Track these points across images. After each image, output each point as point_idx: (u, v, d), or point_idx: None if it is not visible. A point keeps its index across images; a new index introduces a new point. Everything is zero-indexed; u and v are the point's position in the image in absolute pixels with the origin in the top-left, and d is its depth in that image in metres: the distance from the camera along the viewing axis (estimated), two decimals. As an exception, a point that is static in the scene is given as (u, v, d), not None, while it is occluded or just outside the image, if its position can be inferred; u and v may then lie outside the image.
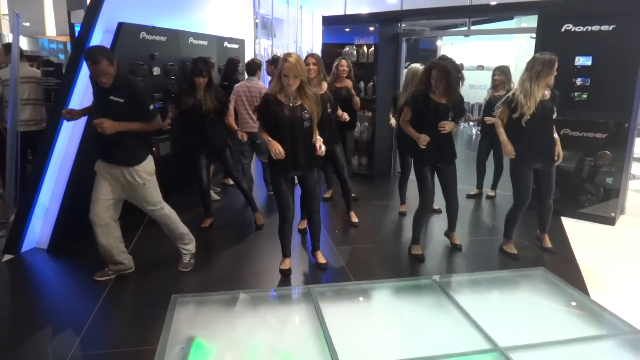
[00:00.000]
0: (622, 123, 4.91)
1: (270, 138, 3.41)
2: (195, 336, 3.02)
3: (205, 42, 6.44)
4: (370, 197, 6.19)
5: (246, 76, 5.66)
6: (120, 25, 4.75)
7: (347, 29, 7.12)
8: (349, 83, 5.32)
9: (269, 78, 5.87)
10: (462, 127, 11.89)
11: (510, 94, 4.00)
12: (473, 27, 6.90)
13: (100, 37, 4.56)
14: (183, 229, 3.90)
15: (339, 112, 4.63)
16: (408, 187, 5.43)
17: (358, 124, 7.00)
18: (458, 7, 6.60)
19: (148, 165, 3.57)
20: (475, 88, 6.58)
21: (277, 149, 3.34)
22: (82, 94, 4.42)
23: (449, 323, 3.24)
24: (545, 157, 3.99)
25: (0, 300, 3.55)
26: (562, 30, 5.10)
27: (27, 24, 15.54)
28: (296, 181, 4.08)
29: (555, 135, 4.07)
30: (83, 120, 4.40)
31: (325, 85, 4.68)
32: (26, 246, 4.29)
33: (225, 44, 7.02)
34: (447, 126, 3.85)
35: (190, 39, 6.13)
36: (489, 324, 3.11)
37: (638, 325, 3.12)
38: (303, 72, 3.36)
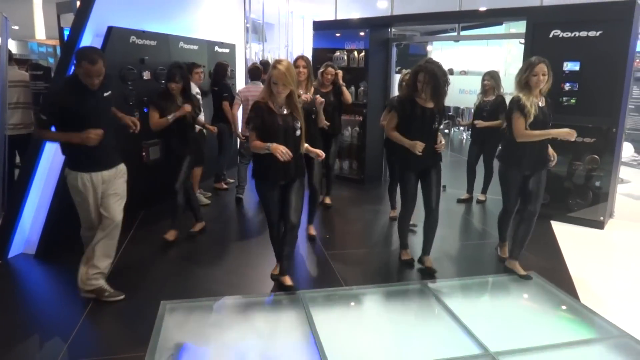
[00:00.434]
0: (610, 128, 4.96)
1: (268, 144, 3.23)
2: (184, 342, 3.00)
3: (195, 47, 6.42)
4: (361, 202, 6.19)
5: (249, 81, 5.72)
6: (110, 29, 4.73)
7: (337, 34, 7.13)
8: (338, 83, 5.35)
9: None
10: (452, 131, 11.96)
11: (517, 99, 3.73)
12: (463, 33, 6.95)
13: (89, 40, 4.53)
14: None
15: (321, 118, 4.52)
16: (398, 192, 5.43)
17: (349, 128, 7.02)
18: (448, 13, 6.63)
19: None
20: (465, 93, 6.61)
21: (283, 150, 3.18)
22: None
23: (440, 328, 3.25)
24: (541, 164, 3.86)
25: (-14, 307, 3.50)
26: (550, 35, 5.14)
27: (16, 27, 15.45)
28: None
29: None
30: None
31: (312, 89, 4.65)
32: (13, 252, 4.23)
33: (216, 48, 7.00)
34: (443, 145, 3.85)
35: (181, 43, 6.11)
36: (480, 329, 3.12)
37: (627, 329, 3.15)
38: (293, 80, 3.28)
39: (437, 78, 3.57)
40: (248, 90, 5.70)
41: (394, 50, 7.02)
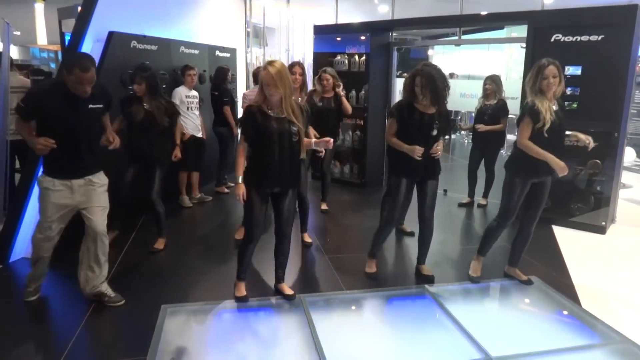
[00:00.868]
0: (612, 132, 4.95)
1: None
2: (185, 346, 2.99)
3: (196, 51, 6.44)
4: (361, 206, 6.18)
5: (252, 85, 5.72)
6: (111, 34, 4.75)
7: (338, 38, 7.14)
8: (337, 92, 5.32)
9: None
10: (453, 136, 11.93)
11: (531, 104, 3.56)
12: (464, 37, 6.96)
13: (90, 46, 4.54)
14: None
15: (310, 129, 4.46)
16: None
17: (350, 132, 7.03)
18: (449, 17, 6.64)
19: None
20: (466, 97, 6.62)
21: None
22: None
23: (440, 332, 3.24)
24: (551, 171, 3.66)
25: (-13, 312, 3.50)
26: (552, 40, 5.14)
27: (18, 33, 15.47)
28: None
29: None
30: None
31: (304, 97, 4.61)
32: (15, 256, 4.23)
33: (217, 52, 7.02)
34: (439, 150, 3.70)
35: (182, 48, 6.13)
36: (481, 334, 3.11)
37: (629, 335, 3.13)
38: (284, 82, 3.10)
39: (434, 81, 3.45)
40: (252, 92, 5.71)
41: (395, 55, 7.03)
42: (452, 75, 9.84)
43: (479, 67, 11.43)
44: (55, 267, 4.14)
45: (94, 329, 3.20)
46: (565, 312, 3.55)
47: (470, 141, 6.56)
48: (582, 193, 5.20)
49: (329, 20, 8.24)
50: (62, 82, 3.07)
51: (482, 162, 6.01)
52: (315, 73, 5.26)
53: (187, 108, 5.56)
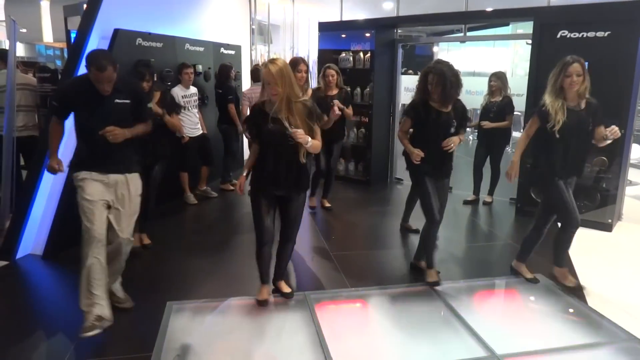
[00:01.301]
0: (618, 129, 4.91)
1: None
2: (190, 343, 3.00)
3: (201, 48, 6.44)
4: (366, 203, 6.18)
5: (250, 83, 5.75)
6: (117, 31, 4.75)
7: (343, 35, 7.13)
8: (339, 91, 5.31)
9: None
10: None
11: (542, 104, 3.55)
12: (469, 34, 6.93)
13: (96, 43, 4.55)
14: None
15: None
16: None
17: (355, 129, 7.02)
18: (454, 14, 6.61)
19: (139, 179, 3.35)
20: (471, 94, 6.60)
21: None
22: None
23: (446, 330, 3.23)
24: (577, 173, 3.63)
25: (-6, 308, 3.52)
26: (558, 36, 5.11)
27: (24, 30, 15.55)
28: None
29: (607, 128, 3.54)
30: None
31: (309, 92, 4.59)
32: (21, 252, 4.26)
33: (222, 50, 7.02)
34: (452, 143, 3.55)
35: (187, 45, 6.13)
36: (486, 331, 3.11)
37: (635, 333, 3.12)
38: (285, 80, 2.98)
39: (445, 77, 3.41)
40: (252, 91, 5.74)
41: (400, 51, 7.01)
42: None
43: (484, 64, 11.41)
44: (61, 264, 4.18)
45: (100, 326, 3.21)
46: (571, 310, 3.54)
47: (475, 138, 6.53)
48: (588, 190, 5.17)
49: (333, 17, 8.24)
50: (88, 77, 3.04)
51: (488, 159, 5.99)
52: (319, 70, 5.24)
53: (184, 108, 5.52)
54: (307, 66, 4.45)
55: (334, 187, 5.86)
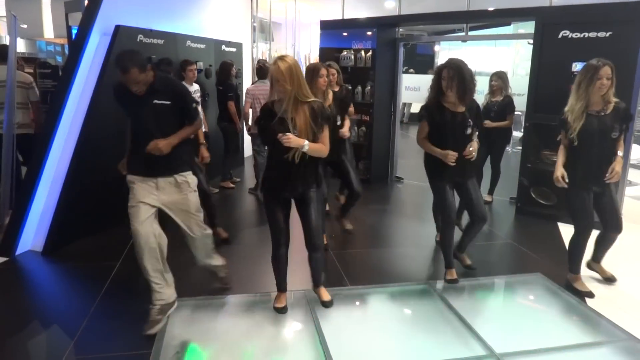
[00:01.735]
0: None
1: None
2: (190, 340, 3.01)
3: (202, 46, 6.44)
4: (367, 202, 6.17)
5: (256, 79, 5.79)
6: (118, 28, 4.74)
7: (344, 34, 7.12)
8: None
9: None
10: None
11: (562, 120, 3.53)
12: (471, 33, 6.92)
13: (97, 39, 4.55)
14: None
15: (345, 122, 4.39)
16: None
17: (356, 127, 7.01)
18: (456, 13, 6.60)
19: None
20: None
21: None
22: (78, 97, 4.41)
23: (445, 328, 3.23)
24: (597, 184, 3.56)
25: (-7, 303, 3.52)
26: (559, 36, 5.11)
27: (25, 26, 15.52)
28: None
29: (619, 153, 3.53)
30: (79, 123, 4.40)
31: (331, 95, 4.39)
32: (21, 249, 4.26)
33: (223, 47, 7.02)
34: (473, 149, 3.50)
35: (188, 42, 6.12)
36: (486, 330, 3.11)
37: (634, 332, 3.12)
38: (293, 79, 2.87)
39: (462, 72, 3.31)
40: (256, 88, 5.75)
41: (402, 50, 7.00)
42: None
43: (486, 63, 11.41)
44: (60, 260, 4.18)
45: (100, 322, 3.21)
46: (570, 309, 3.54)
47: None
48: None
49: (335, 15, 8.22)
50: None
51: (488, 158, 5.98)
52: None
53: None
54: (327, 69, 4.12)
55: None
